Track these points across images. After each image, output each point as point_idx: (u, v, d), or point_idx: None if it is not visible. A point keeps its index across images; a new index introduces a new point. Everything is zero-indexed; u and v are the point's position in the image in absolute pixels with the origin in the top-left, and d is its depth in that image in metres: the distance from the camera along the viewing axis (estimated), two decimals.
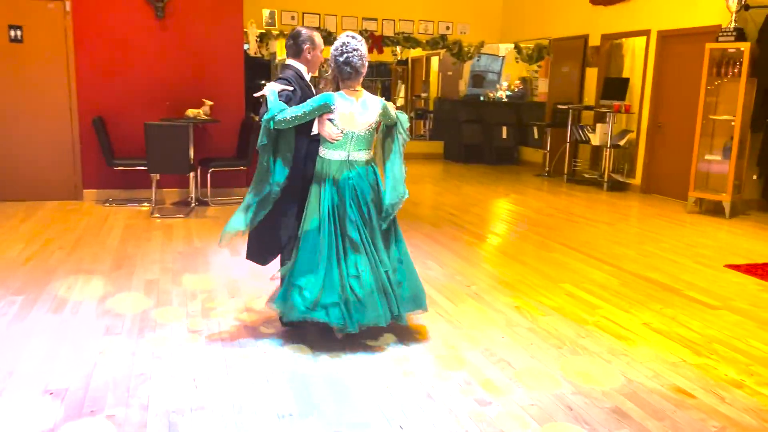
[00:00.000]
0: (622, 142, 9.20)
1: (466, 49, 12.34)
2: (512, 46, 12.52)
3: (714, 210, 7.73)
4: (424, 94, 14.86)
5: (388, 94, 15.13)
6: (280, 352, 3.39)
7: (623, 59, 9.81)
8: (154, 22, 7.29)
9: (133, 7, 7.21)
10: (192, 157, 6.97)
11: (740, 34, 7.23)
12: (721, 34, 7.36)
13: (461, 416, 2.77)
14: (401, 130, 3.57)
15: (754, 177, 7.87)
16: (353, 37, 3.40)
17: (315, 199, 3.43)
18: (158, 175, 6.94)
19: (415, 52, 13.88)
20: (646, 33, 8.96)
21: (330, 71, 3.45)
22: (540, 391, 3.01)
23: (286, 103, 3.38)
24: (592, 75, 10.11)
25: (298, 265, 3.41)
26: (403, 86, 15.47)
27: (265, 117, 3.29)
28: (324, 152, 3.45)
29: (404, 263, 3.57)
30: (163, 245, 5.50)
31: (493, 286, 4.62)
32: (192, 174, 7.04)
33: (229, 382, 3.04)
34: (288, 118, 3.29)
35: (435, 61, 14.80)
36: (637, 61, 9.36)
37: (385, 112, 3.47)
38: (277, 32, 11.39)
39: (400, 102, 15.10)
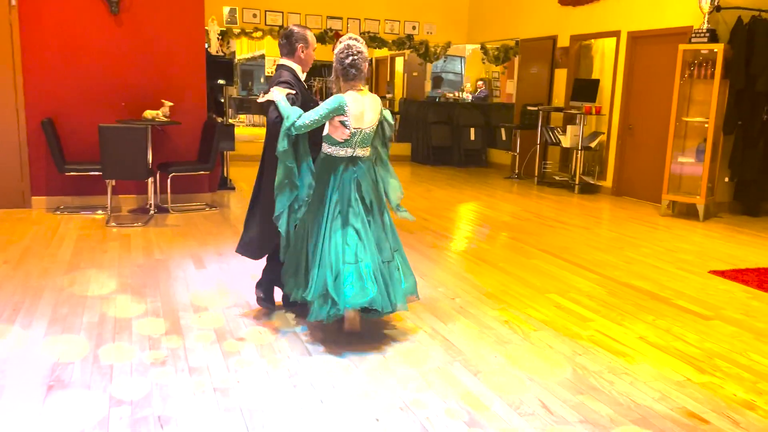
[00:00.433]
0: (593, 144, 9.10)
1: (432, 49, 12.14)
2: (479, 46, 12.39)
3: (687, 212, 7.67)
4: (389, 95, 14.61)
5: None
6: (265, 390, 3.06)
7: (593, 60, 9.73)
8: (109, 18, 6.84)
9: (85, 1, 6.74)
10: (150, 161, 6.55)
11: (713, 36, 7.17)
12: (693, 35, 7.29)
13: None
14: (387, 127, 3.73)
15: (726, 179, 7.85)
16: (356, 40, 3.53)
17: (321, 194, 3.52)
18: (114, 181, 6.51)
19: (380, 52, 13.62)
20: (616, 34, 8.88)
21: (333, 73, 3.56)
22: (544, 422, 2.76)
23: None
24: (561, 76, 10.00)
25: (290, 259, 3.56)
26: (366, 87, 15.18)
27: (287, 123, 3.36)
28: (330, 149, 3.53)
29: (399, 252, 3.71)
30: (120, 258, 5.09)
31: (478, 298, 4.37)
32: (150, 179, 6.62)
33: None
34: (307, 122, 3.38)
35: (400, 62, 14.57)
36: (606, 63, 9.27)
37: (381, 109, 3.64)
38: (238, 30, 11.00)
39: None
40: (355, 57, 3.45)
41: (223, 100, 9.16)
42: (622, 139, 8.89)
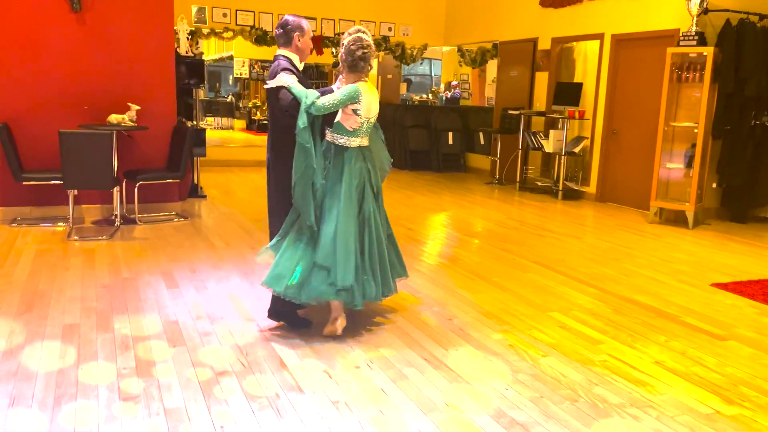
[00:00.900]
0: (576, 150, 8.89)
1: (409, 51, 11.85)
2: (455, 48, 12.13)
3: (674, 219, 7.49)
4: None
5: None
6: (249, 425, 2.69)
7: (575, 63, 9.53)
8: (70, 16, 6.35)
9: None
10: (116, 169, 6.10)
11: (702, 39, 7.01)
12: (682, 38, 7.11)
13: None
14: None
15: (714, 185, 7.70)
16: (365, 33, 3.61)
17: (339, 185, 3.56)
18: (76, 191, 6.04)
19: None
20: (599, 37, 8.69)
21: (340, 63, 3.63)
22: None
23: None
24: (542, 79, 9.78)
25: (323, 248, 3.51)
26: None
27: (307, 101, 3.38)
28: (342, 140, 3.60)
29: (390, 237, 3.92)
30: (84, 277, 4.65)
31: (477, 319, 4.06)
32: (116, 188, 6.16)
33: None
34: (327, 104, 3.43)
35: (374, 64, 14.25)
36: (589, 66, 9.09)
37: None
38: (208, 30, 10.55)
39: None
40: (366, 50, 3.56)
41: (192, 102, 8.70)
42: (606, 144, 8.70)
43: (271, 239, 3.76)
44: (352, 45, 3.55)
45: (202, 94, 14.95)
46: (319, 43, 10.95)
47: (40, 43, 6.28)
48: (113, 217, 6.35)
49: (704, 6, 6.97)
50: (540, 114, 9.46)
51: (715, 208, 7.81)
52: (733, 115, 7.29)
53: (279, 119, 3.57)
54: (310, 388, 3.03)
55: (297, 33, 3.63)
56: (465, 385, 3.13)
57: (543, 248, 6.07)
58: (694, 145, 7.16)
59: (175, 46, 7.37)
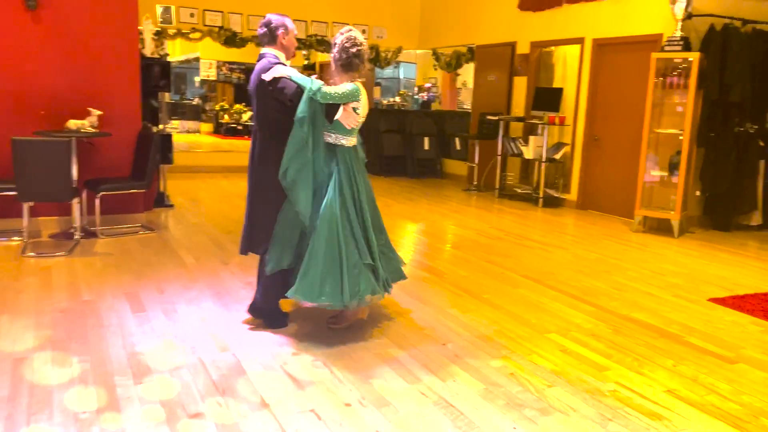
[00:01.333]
0: (557, 156, 8.70)
1: (383, 54, 11.56)
2: (430, 51, 11.89)
3: (658, 228, 7.34)
4: None
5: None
6: None
7: (554, 68, 9.36)
8: (25, 13, 5.89)
9: None
10: (75, 179, 5.67)
11: (687, 44, 6.86)
12: (667, 43, 6.96)
13: None
14: None
15: (697, 193, 7.57)
16: (357, 32, 3.59)
17: (337, 185, 3.52)
18: (32, 202, 5.59)
19: (325, 57, 12.91)
20: (579, 41, 8.51)
21: (333, 63, 3.58)
22: None
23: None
24: (521, 84, 9.58)
25: (316, 253, 3.46)
26: None
27: (312, 87, 3.35)
28: (340, 139, 3.57)
29: (385, 238, 3.93)
30: (38, 299, 4.22)
31: (473, 343, 3.77)
32: (76, 200, 5.71)
33: None
34: (332, 93, 3.40)
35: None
36: (569, 71, 8.92)
37: None
38: (174, 31, 10.10)
39: None
40: (360, 48, 3.53)
41: (158, 105, 8.25)
42: (587, 151, 8.53)
43: (250, 249, 3.76)
44: (346, 43, 3.53)
45: (167, 96, 14.44)
46: None
47: None
48: (72, 231, 5.89)
49: (689, 10, 6.83)
50: (519, 119, 9.25)
51: (698, 216, 7.68)
52: (718, 122, 7.17)
53: (270, 115, 3.54)
54: (293, 429, 2.70)
55: (282, 31, 3.61)
56: (467, 423, 2.82)
57: (530, 260, 5.83)
58: (678, 152, 7.01)
59: (140, 46, 6.95)
